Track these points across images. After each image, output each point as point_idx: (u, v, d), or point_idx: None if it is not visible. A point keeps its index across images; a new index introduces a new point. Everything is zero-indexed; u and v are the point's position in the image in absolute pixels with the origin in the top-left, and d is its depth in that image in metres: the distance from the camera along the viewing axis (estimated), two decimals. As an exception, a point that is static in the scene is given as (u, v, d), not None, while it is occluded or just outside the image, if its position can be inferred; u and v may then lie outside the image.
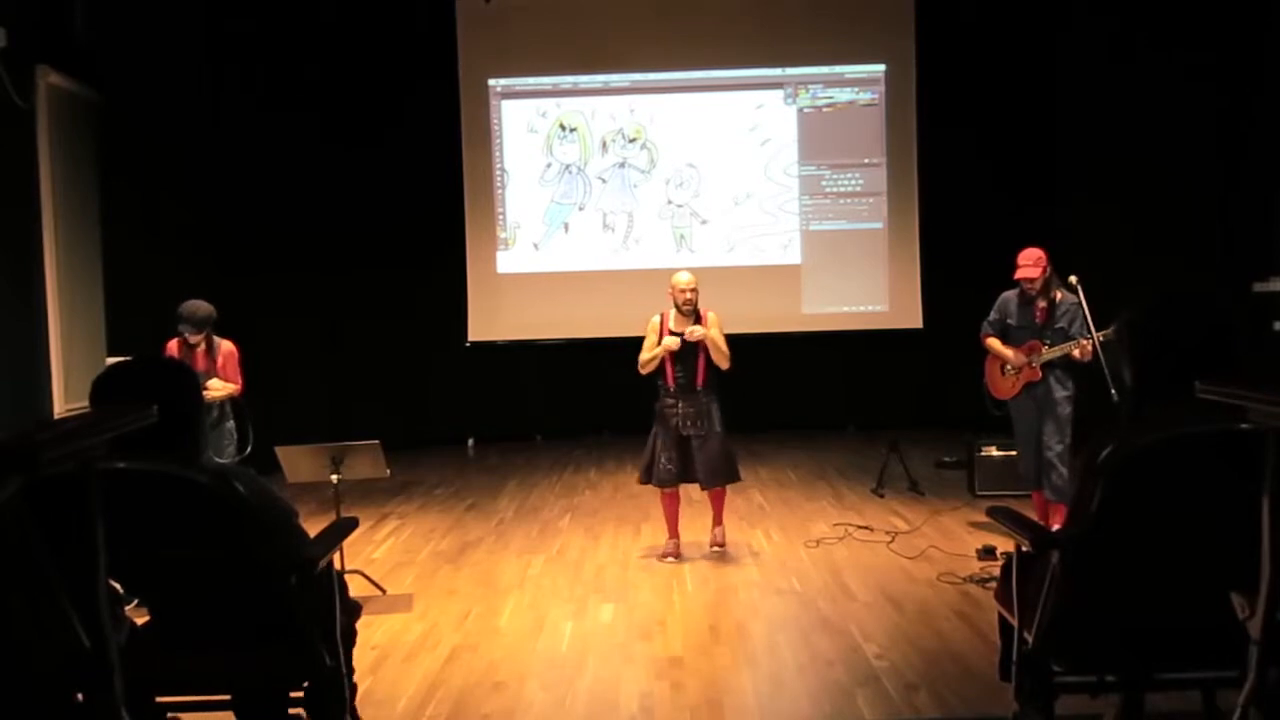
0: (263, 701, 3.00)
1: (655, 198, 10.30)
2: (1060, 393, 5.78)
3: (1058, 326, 5.74)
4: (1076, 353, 5.59)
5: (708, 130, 10.23)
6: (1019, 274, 5.79)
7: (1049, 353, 5.75)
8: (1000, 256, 6.09)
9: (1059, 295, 5.75)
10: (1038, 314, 5.82)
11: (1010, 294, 5.95)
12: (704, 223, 10.26)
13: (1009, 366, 5.97)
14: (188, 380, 2.88)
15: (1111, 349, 5.43)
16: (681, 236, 10.28)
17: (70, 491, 1.80)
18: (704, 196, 10.27)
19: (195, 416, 2.86)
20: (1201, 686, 3.03)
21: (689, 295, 5.69)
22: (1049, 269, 5.77)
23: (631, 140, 10.29)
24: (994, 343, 6.01)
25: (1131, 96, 8.23)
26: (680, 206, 10.30)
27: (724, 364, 5.72)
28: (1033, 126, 9.62)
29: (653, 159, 10.30)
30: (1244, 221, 7.57)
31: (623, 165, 10.31)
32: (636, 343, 5.90)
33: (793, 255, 10.26)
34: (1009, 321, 5.95)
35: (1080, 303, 5.57)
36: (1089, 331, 5.48)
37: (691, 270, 5.93)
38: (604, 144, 10.30)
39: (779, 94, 10.23)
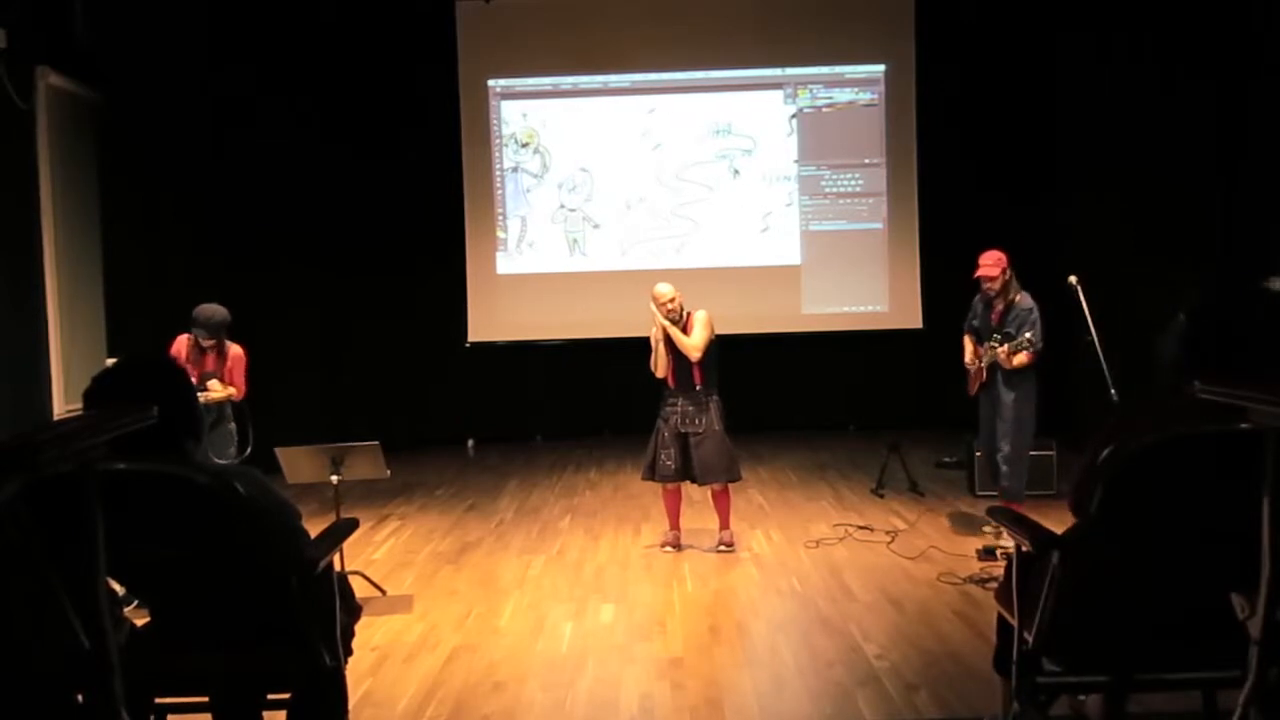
0: (240, 703, 2.98)
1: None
2: (1007, 396, 5.82)
3: (1006, 330, 5.77)
4: (1001, 356, 5.64)
5: (707, 130, 10.22)
6: (977, 273, 5.85)
7: (987, 356, 5.82)
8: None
9: (1018, 299, 5.78)
10: (994, 316, 5.87)
11: (981, 294, 6.03)
12: (704, 223, 10.25)
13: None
14: (178, 379, 2.85)
15: (1104, 344, 5.48)
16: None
17: (70, 491, 1.80)
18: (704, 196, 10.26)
19: (189, 415, 2.82)
20: (1201, 686, 3.03)
21: (669, 306, 5.82)
22: (1010, 272, 5.82)
23: (631, 140, 10.27)
24: (965, 341, 6.13)
25: (1131, 96, 8.22)
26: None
27: (690, 354, 5.79)
28: (1033, 126, 9.62)
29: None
30: (1244, 221, 7.56)
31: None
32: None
33: (793, 255, 10.25)
34: (974, 322, 6.05)
35: (1032, 309, 5.66)
36: (1036, 339, 5.59)
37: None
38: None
39: (779, 94, 10.23)
